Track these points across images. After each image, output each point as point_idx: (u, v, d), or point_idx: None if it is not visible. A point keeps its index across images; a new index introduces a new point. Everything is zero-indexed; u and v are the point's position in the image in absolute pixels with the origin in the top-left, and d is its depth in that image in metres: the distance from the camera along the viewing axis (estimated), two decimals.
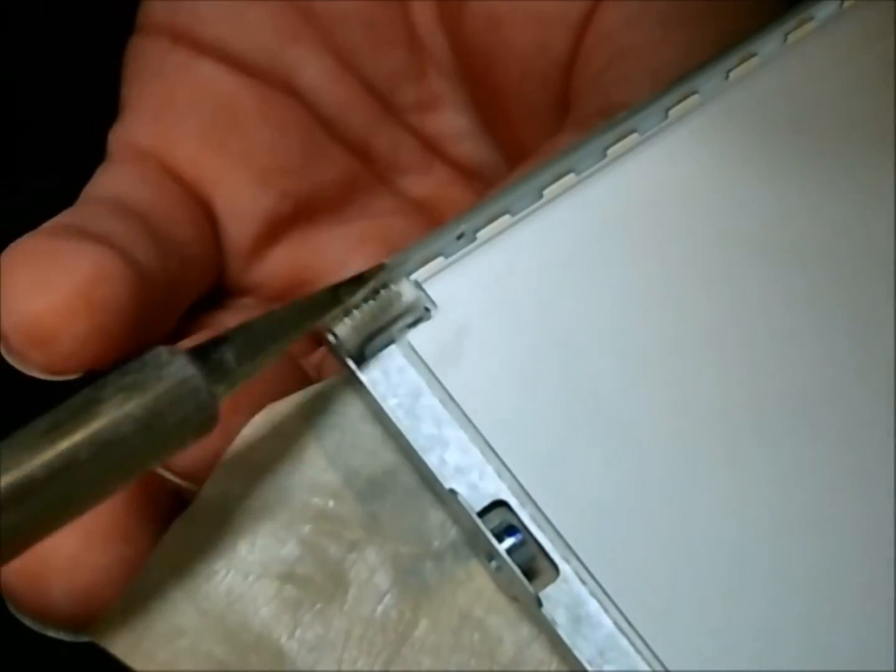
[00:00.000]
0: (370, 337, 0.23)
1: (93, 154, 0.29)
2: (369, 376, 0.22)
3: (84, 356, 0.23)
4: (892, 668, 0.21)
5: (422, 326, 0.23)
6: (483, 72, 0.29)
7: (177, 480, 0.23)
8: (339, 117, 0.30)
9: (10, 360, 0.23)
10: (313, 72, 0.29)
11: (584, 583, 0.21)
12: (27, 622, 0.24)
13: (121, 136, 0.29)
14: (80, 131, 0.30)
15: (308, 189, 0.29)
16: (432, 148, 0.31)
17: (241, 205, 0.29)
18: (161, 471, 0.23)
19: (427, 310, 0.23)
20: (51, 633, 0.23)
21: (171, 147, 0.28)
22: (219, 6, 0.29)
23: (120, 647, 0.22)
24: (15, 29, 0.35)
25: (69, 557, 0.23)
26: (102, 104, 0.30)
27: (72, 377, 0.24)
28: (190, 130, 0.29)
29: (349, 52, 0.30)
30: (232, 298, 0.29)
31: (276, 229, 0.29)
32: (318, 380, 0.24)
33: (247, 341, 0.22)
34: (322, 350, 0.27)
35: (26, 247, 0.24)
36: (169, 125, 0.29)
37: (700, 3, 0.27)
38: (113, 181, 0.28)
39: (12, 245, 0.24)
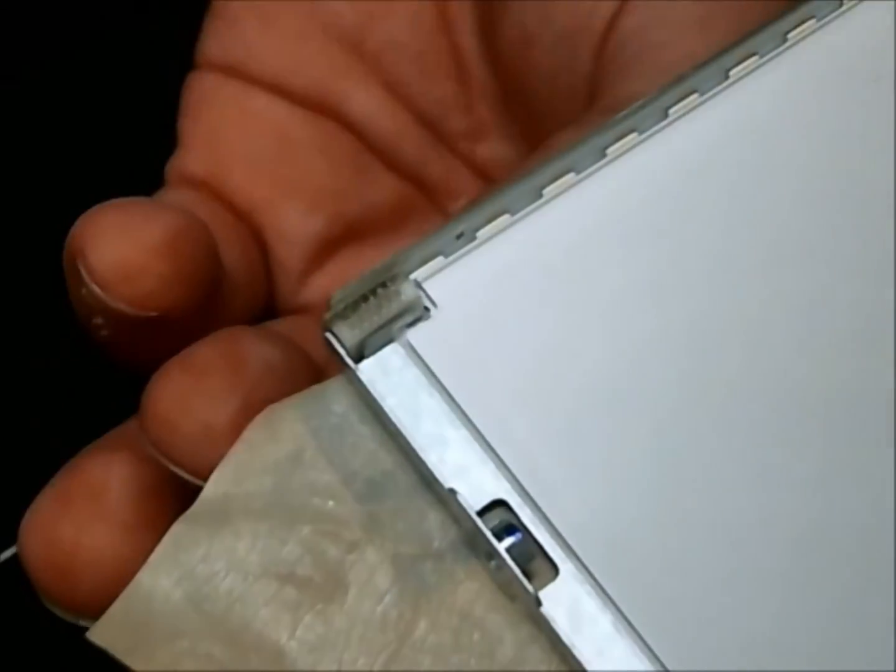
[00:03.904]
0: (370, 336, 0.23)
1: (152, 189, 0.30)
2: (368, 375, 0.22)
3: (165, 296, 0.25)
4: (893, 669, 0.21)
5: (421, 325, 0.23)
6: (520, 96, 0.30)
7: (191, 479, 0.23)
8: (392, 146, 0.31)
9: (93, 292, 0.25)
10: (364, 104, 0.30)
11: (583, 582, 0.21)
12: (59, 614, 0.24)
13: (176, 168, 0.30)
14: (140, 166, 0.31)
15: (360, 211, 0.30)
16: (484, 175, 0.31)
17: (292, 229, 0.30)
18: (175, 469, 0.23)
19: (427, 309, 0.23)
20: (82, 623, 0.24)
21: (223, 177, 0.30)
22: (271, 43, 0.30)
23: (120, 647, 0.22)
24: (76, 65, 0.36)
25: (94, 549, 0.24)
26: (163, 139, 0.31)
27: (151, 315, 0.25)
28: (241, 159, 0.30)
29: (399, 83, 0.30)
30: (285, 317, 0.30)
31: (327, 250, 0.30)
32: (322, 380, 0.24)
33: None
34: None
35: (116, 203, 0.26)
36: (221, 155, 0.30)
37: (710, 7, 0.27)
38: (168, 203, 0.28)
39: (101, 203, 0.26)
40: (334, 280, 0.30)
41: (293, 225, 0.30)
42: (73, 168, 0.35)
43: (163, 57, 0.33)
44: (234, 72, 0.30)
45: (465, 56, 0.31)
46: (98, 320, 0.25)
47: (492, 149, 0.31)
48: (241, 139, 0.30)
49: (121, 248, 0.25)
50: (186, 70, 0.31)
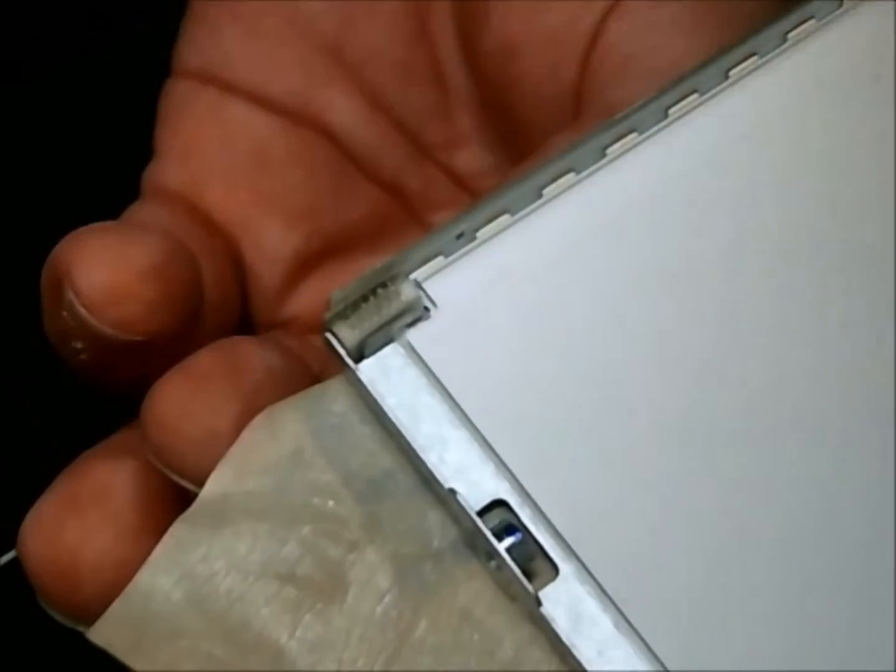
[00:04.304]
0: (370, 336, 0.23)
1: (128, 196, 0.29)
2: (368, 375, 0.22)
3: (151, 321, 0.25)
4: (893, 669, 0.21)
5: (421, 325, 0.23)
6: (502, 105, 0.29)
7: (192, 488, 0.23)
8: (371, 156, 0.30)
9: (78, 311, 0.24)
10: (344, 113, 0.30)
11: (583, 583, 0.21)
12: (58, 617, 0.24)
13: (152, 178, 0.29)
14: (117, 174, 0.31)
15: (338, 226, 0.30)
16: (463, 185, 0.31)
17: (270, 246, 0.29)
18: (176, 478, 0.23)
19: (427, 309, 0.23)
20: (80, 629, 0.24)
21: (199, 190, 0.29)
22: (250, 50, 0.30)
23: (120, 647, 0.22)
24: (53, 69, 0.36)
25: (99, 553, 0.24)
26: (140, 146, 0.30)
27: (137, 339, 0.25)
28: (218, 173, 0.29)
29: (379, 92, 0.30)
30: (269, 332, 0.30)
31: (306, 266, 0.30)
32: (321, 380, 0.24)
33: None
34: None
35: (102, 226, 0.26)
36: (198, 168, 0.29)
37: (700, 12, 0.27)
38: (141, 221, 0.28)
39: (87, 226, 0.25)
40: (314, 296, 0.29)
41: (271, 241, 0.29)
42: (57, 173, 0.35)
43: (143, 62, 0.33)
44: (212, 79, 0.30)
45: (445, 64, 0.30)
46: (77, 344, 0.25)
47: (471, 158, 0.31)
48: (218, 151, 0.30)
49: (109, 271, 0.24)
50: (166, 76, 0.31)
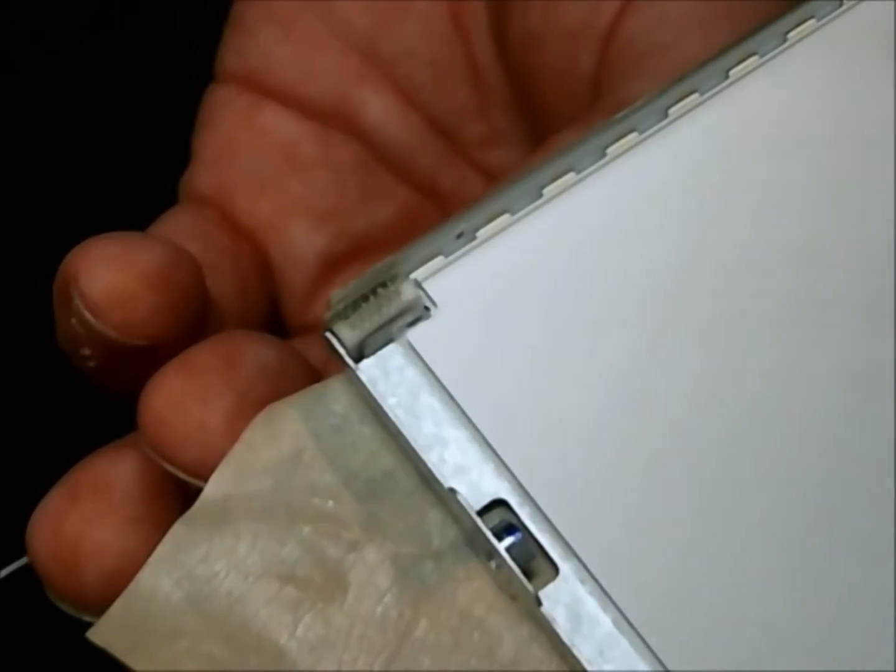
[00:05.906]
0: (370, 336, 0.23)
1: (129, 199, 0.30)
2: (368, 375, 0.22)
3: (154, 325, 0.25)
4: (893, 669, 0.21)
5: (421, 325, 0.23)
6: (528, 99, 0.30)
7: (186, 478, 0.23)
8: (405, 156, 0.31)
9: (84, 315, 0.25)
10: (378, 112, 0.31)
11: (583, 582, 0.21)
12: (64, 608, 0.24)
13: (187, 184, 0.30)
14: (119, 177, 0.31)
15: (366, 227, 0.30)
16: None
17: (296, 250, 0.30)
18: (170, 468, 0.23)
19: (427, 309, 0.23)
20: (86, 619, 0.24)
21: (229, 196, 0.30)
22: (287, 51, 0.31)
23: (120, 647, 0.22)
24: (53, 69, 0.36)
25: (98, 542, 0.24)
26: (142, 148, 0.31)
27: (139, 343, 0.25)
28: (248, 178, 0.30)
29: (414, 91, 0.31)
30: (295, 336, 0.30)
31: (333, 268, 0.30)
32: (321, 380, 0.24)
33: None
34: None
35: (109, 234, 0.26)
36: (228, 173, 0.30)
37: (715, 8, 0.27)
38: (167, 229, 0.29)
39: (95, 236, 0.26)
40: None
41: (297, 243, 0.30)
42: (96, 177, 0.35)
43: (144, 62, 0.34)
44: (250, 82, 0.31)
45: (479, 62, 0.31)
46: (85, 351, 0.25)
47: (505, 156, 0.31)
48: (249, 157, 0.30)
49: (113, 276, 0.25)
50: (166, 76, 0.31)
